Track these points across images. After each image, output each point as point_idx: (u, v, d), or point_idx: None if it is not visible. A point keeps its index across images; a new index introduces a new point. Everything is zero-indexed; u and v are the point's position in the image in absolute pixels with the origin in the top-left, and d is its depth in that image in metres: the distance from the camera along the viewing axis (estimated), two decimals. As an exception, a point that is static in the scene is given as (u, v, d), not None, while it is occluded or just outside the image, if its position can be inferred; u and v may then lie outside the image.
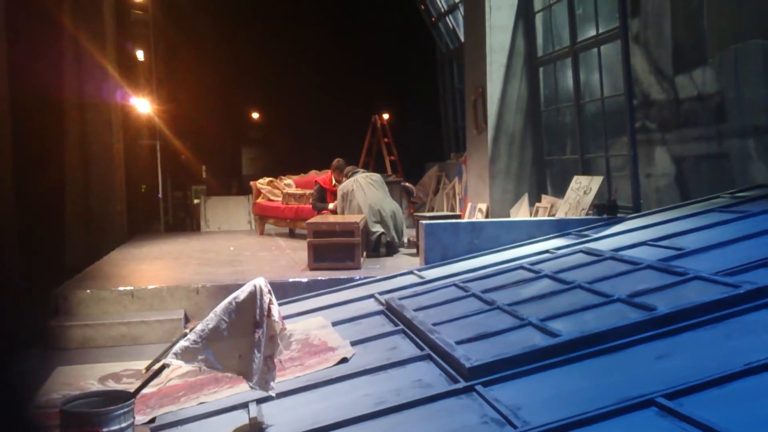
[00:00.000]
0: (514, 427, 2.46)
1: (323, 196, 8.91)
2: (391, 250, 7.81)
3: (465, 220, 8.31)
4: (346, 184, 8.16)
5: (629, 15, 6.88)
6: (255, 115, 19.27)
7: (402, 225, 8.03)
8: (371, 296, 4.95)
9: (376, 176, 8.34)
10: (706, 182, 6.25)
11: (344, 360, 3.57)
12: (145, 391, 3.36)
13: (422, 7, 13.79)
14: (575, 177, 7.44)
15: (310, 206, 9.27)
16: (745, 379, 2.50)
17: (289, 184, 10.50)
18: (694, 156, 6.45)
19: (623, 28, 6.60)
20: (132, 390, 3.10)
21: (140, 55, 12.74)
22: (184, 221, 14.22)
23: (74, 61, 8.82)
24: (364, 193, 7.90)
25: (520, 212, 8.29)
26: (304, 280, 6.21)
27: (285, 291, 5.78)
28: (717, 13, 6.10)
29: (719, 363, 2.62)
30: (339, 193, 8.21)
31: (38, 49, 7.12)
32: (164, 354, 3.07)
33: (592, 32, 7.63)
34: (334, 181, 8.92)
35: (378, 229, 7.67)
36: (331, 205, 8.58)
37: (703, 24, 6.25)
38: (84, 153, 9.13)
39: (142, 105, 12.00)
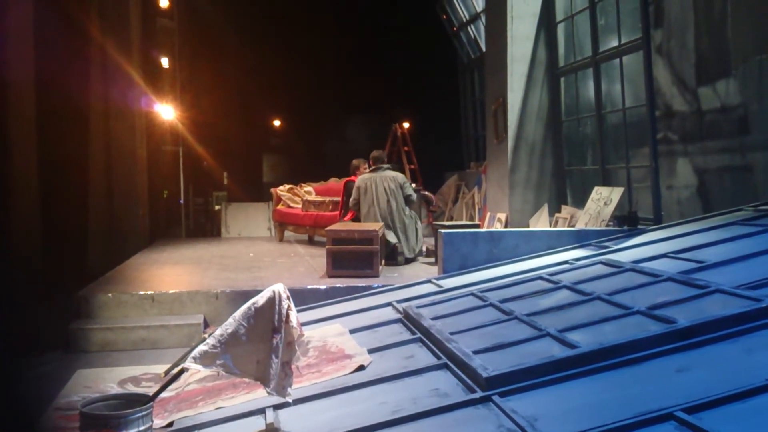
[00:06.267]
0: (531, 438, 2.44)
1: None
2: (409, 258, 7.81)
3: (484, 229, 8.28)
4: (365, 178, 7.98)
5: (652, 26, 6.84)
6: (276, 123, 19.41)
7: (416, 235, 7.94)
8: (389, 304, 4.95)
9: (394, 181, 7.91)
10: (728, 195, 6.18)
11: (361, 368, 3.57)
12: (163, 395, 3.39)
13: (444, 16, 13.83)
14: (596, 188, 7.39)
15: (330, 213, 9.28)
16: (766, 394, 2.46)
17: (309, 191, 10.57)
18: (717, 168, 6.38)
19: (646, 39, 6.57)
20: (151, 393, 3.13)
21: (165, 62, 12.89)
22: (205, 227, 14.34)
23: (100, 68, 8.95)
24: (372, 200, 7.82)
25: (540, 222, 8.25)
26: (323, 287, 6.23)
27: (303, 298, 5.80)
28: (741, 25, 6.04)
29: (740, 377, 2.59)
30: (356, 184, 8.04)
31: (65, 58, 7.23)
32: (183, 358, 3.10)
33: (615, 43, 7.60)
34: None
35: (392, 238, 7.67)
36: None
37: (727, 35, 6.19)
38: (108, 158, 9.26)
39: (166, 111, 12.14)
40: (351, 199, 8.12)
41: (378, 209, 7.78)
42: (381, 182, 7.88)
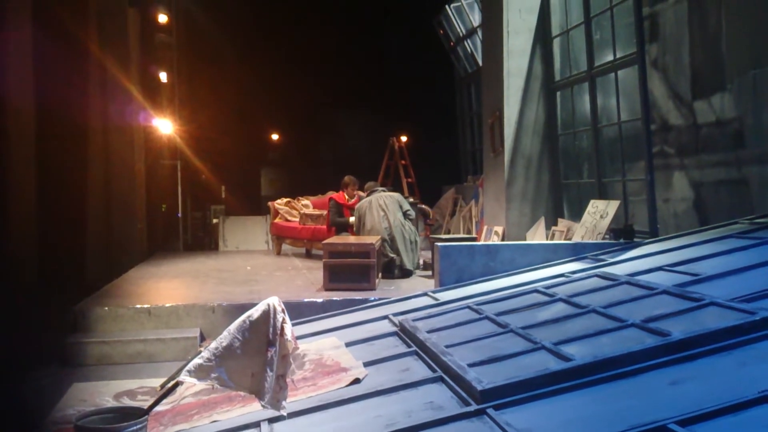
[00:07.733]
0: (525, 450, 2.44)
1: (341, 210, 8.95)
2: (405, 272, 7.82)
3: (481, 242, 8.29)
4: (362, 204, 8.23)
5: (647, 40, 6.89)
6: (274, 137, 19.48)
7: (414, 248, 8.01)
8: (385, 317, 4.96)
9: (391, 198, 8.18)
10: (724, 208, 6.20)
11: (357, 381, 3.57)
12: (158, 408, 3.39)
13: (441, 31, 13.93)
14: (592, 201, 7.41)
15: (327, 227, 9.31)
16: (759, 406, 2.46)
17: (306, 204, 10.59)
18: (713, 181, 6.41)
19: (641, 53, 6.62)
20: (146, 407, 3.13)
21: (163, 76, 12.96)
22: (203, 240, 14.35)
23: (99, 84, 9.00)
24: (373, 217, 7.96)
25: (537, 235, 8.26)
26: (319, 300, 6.24)
27: (300, 311, 5.81)
28: (735, 39, 6.09)
29: (734, 390, 2.59)
30: (356, 212, 8.28)
31: (64, 74, 7.29)
32: (179, 372, 3.10)
33: (610, 57, 7.65)
34: (347, 197, 9.01)
35: (389, 252, 7.73)
36: (352, 219, 8.56)
37: (722, 49, 6.24)
38: (106, 173, 9.29)
39: (164, 126, 12.18)
40: (353, 224, 8.37)
41: (377, 225, 7.87)
42: (376, 201, 8.12)
